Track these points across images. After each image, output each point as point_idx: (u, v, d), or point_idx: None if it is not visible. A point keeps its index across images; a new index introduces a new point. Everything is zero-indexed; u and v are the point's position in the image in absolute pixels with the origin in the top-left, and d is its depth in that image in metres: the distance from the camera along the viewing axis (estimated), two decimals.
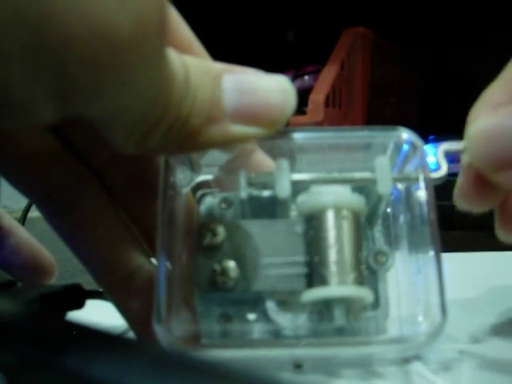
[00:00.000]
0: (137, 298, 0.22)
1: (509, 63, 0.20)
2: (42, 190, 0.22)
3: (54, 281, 0.27)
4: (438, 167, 0.21)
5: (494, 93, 0.20)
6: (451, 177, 0.21)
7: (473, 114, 0.20)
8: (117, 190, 0.23)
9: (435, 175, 0.21)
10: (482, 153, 0.19)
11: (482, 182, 0.20)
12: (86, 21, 0.13)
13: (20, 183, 0.22)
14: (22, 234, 0.26)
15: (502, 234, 0.22)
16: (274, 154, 0.21)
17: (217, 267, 0.19)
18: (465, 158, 0.20)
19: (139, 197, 0.23)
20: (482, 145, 0.19)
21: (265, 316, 0.20)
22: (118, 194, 0.23)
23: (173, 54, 0.16)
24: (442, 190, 0.21)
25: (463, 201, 0.21)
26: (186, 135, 0.17)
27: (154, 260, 0.22)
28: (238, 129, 0.18)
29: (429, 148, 0.21)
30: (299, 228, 0.20)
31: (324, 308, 0.19)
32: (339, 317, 0.19)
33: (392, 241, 0.21)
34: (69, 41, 0.13)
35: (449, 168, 0.21)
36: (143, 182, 0.22)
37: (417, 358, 0.21)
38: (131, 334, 0.23)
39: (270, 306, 0.20)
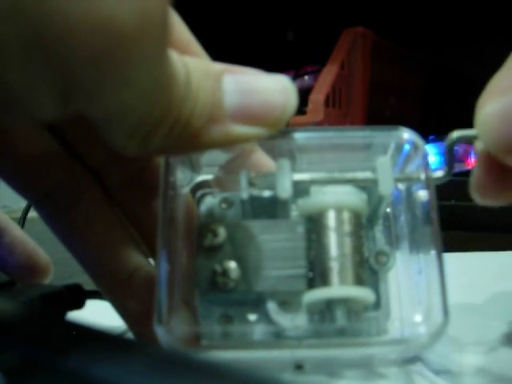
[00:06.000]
0: (135, 299, 0.22)
1: None
2: (40, 191, 0.22)
3: (54, 281, 0.27)
4: (444, 160, 0.20)
5: (501, 79, 0.19)
6: (452, 177, 0.21)
7: (481, 100, 0.19)
8: (115, 191, 0.23)
9: (437, 174, 0.20)
10: (495, 135, 0.18)
11: (498, 171, 0.19)
12: (86, 14, 0.12)
13: (17, 183, 0.22)
14: (16, 232, 0.26)
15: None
16: (274, 153, 0.21)
17: (217, 268, 0.19)
18: (478, 146, 0.20)
19: (137, 197, 0.22)
20: (495, 127, 0.18)
21: (266, 317, 0.20)
22: (115, 194, 0.23)
23: (174, 55, 0.16)
24: (443, 189, 0.21)
25: (480, 193, 0.20)
26: (188, 136, 0.17)
27: (152, 261, 0.22)
28: (239, 129, 0.18)
29: (429, 148, 0.21)
30: (300, 228, 0.20)
31: (325, 309, 0.19)
32: (340, 317, 0.19)
33: (393, 241, 0.21)
34: (69, 35, 0.13)
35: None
36: (141, 181, 0.22)
37: (418, 358, 0.21)
38: (131, 335, 0.23)
39: (271, 306, 0.20)
